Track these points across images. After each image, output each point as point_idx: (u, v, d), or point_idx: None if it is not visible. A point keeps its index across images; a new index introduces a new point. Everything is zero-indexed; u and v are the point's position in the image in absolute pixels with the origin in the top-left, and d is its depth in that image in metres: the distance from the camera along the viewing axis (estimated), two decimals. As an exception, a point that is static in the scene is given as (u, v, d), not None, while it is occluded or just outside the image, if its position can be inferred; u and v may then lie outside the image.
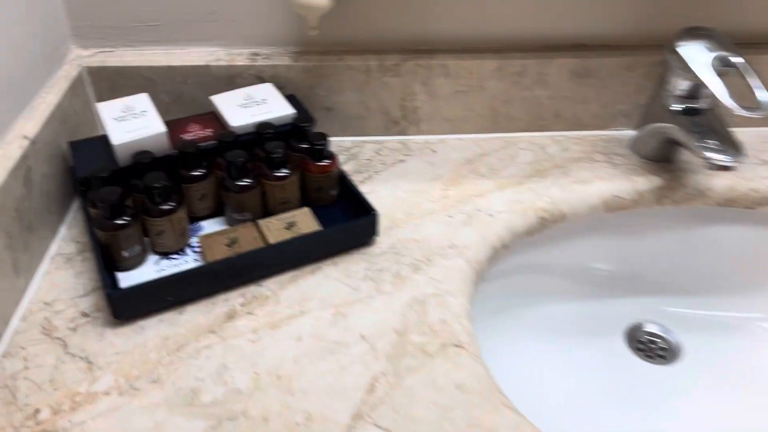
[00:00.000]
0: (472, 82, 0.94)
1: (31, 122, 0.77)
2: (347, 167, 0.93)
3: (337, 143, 0.98)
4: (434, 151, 0.97)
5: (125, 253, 0.73)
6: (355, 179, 0.90)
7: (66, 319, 0.69)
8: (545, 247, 0.93)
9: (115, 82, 0.91)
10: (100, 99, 0.93)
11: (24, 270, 0.72)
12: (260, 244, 0.75)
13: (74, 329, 0.68)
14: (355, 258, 0.78)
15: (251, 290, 0.73)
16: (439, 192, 0.89)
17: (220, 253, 0.73)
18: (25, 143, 0.73)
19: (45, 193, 0.77)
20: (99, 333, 0.68)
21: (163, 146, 0.79)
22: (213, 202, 0.82)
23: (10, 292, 0.69)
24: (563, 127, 1.00)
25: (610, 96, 0.97)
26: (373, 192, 0.88)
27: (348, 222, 0.77)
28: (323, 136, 0.80)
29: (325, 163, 0.81)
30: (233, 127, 0.83)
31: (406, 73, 0.93)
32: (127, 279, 0.73)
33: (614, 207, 0.90)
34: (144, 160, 0.75)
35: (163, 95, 0.93)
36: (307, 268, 0.76)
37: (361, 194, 0.80)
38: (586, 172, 0.93)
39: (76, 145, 0.82)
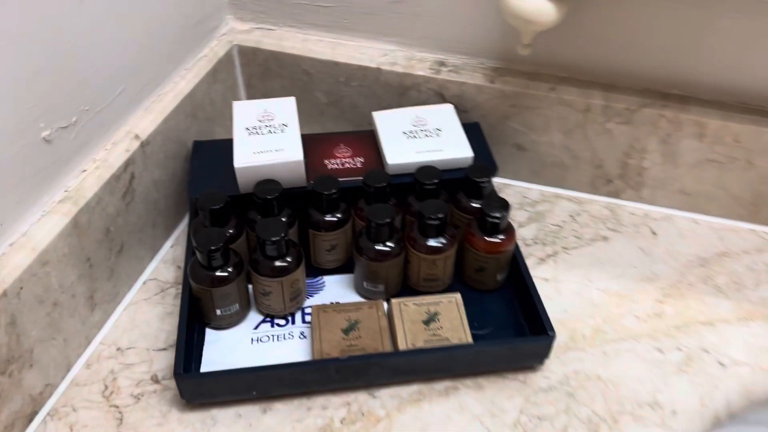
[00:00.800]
0: (736, 152, 0.65)
1: (150, 116, 0.62)
2: (527, 230, 0.70)
3: (521, 191, 0.74)
4: (654, 233, 0.70)
5: (219, 312, 0.57)
6: (535, 254, 0.67)
7: (133, 380, 0.56)
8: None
9: (268, 70, 0.74)
10: (249, 87, 0.77)
11: (103, 301, 0.59)
12: (385, 344, 0.55)
13: (138, 398, 0.54)
14: (509, 387, 0.56)
15: (360, 400, 0.55)
16: (651, 303, 0.63)
17: (332, 342, 0.55)
18: (134, 145, 0.59)
19: (151, 204, 0.63)
20: (163, 413, 0.54)
21: (296, 176, 0.61)
22: (344, 255, 0.64)
23: (78, 332, 0.56)
24: None
25: None
26: (554, 280, 0.65)
27: (510, 342, 0.55)
28: (503, 207, 0.58)
29: (497, 239, 0.59)
30: (389, 165, 0.62)
31: (641, 123, 0.66)
32: (215, 341, 0.58)
33: None
34: (267, 195, 0.58)
35: (320, 94, 0.74)
36: (440, 385, 0.56)
37: (537, 299, 0.57)
38: None
39: (201, 147, 0.67)
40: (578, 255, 0.67)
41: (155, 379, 0.56)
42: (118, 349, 0.58)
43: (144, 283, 0.64)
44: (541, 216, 0.72)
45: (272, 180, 0.59)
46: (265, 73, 0.75)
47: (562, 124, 0.69)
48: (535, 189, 0.75)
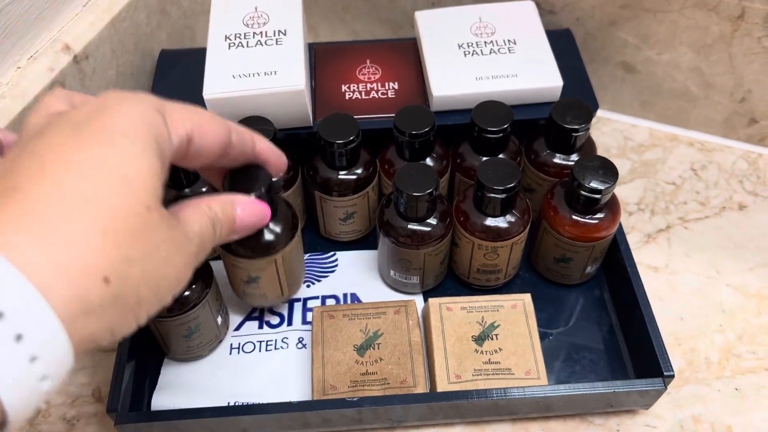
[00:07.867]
0: None
1: (90, 15, 0.43)
2: (630, 190, 0.49)
3: (622, 129, 0.53)
4: (815, 200, 0.49)
5: (186, 341, 0.39)
6: (640, 228, 0.47)
7: (67, 396, 0.40)
8: None
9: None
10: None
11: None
12: (417, 372, 0.38)
13: (72, 424, 0.39)
14: (596, 438, 0.38)
15: (378, 446, 0.38)
16: (810, 315, 0.43)
17: (340, 368, 0.38)
18: (63, 60, 0.40)
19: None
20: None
21: (297, 112, 0.41)
22: (366, 224, 0.45)
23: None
24: None
25: None
26: (667, 269, 0.45)
27: (600, 386, 0.36)
28: (607, 173, 0.37)
29: (592, 220, 0.39)
30: (436, 98, 0.42)
31: (824, 39, 0.43)
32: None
33: None
34: (249, 142, 0.39)
35: (343, -18, 0.53)
36: (494, 428, 0.39)
37: (645, 311, 0.38)
38: None
39: (168, 61, 0.47)
40: (702, 231, 0.47)
41: (98, 396, 0.40)
42: (52, 347, 0.42)
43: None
44: (650, 168, 0.51)
45: (260, 118, 0.40)
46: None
47: (698, 36, 0.46)
48: (642, 126, 0.53)
